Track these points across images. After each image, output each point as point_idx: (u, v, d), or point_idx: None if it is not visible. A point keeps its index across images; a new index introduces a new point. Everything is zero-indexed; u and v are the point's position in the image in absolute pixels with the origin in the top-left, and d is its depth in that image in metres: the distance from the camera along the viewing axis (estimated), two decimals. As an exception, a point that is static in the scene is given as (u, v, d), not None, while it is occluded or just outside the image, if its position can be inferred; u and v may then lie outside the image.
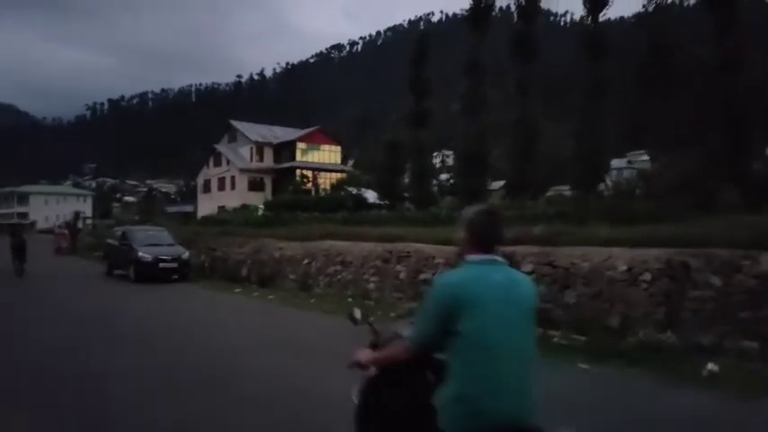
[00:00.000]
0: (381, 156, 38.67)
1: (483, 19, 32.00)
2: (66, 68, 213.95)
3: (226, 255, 19.40)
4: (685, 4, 26.80)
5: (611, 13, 27.16)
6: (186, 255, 18.66)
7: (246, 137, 56.42)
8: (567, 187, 33.06)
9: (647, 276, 8.76)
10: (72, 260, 29.20)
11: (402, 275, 12.75)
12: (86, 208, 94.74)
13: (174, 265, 18.02)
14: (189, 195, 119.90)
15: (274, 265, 16.93)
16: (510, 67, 30.72)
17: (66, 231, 36.50)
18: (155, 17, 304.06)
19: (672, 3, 25.74)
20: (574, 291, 9.55)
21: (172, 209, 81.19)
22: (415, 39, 35.52)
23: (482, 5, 31.28)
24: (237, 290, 15.77)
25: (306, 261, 15.80)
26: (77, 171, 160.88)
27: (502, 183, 37.01)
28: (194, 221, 45.36)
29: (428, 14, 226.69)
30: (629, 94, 34.20)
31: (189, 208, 78.87)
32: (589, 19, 27.07)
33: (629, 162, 78.75)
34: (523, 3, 29.05)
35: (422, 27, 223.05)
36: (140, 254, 18.00)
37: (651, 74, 26.61)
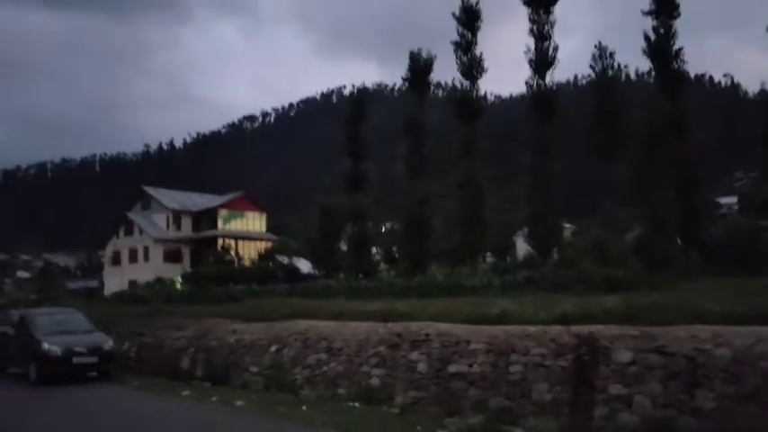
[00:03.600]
0: (315, 222, 36.57)
1: (422, 80, 31.35)
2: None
3: (158, 341, 15.51)
4: (628, 69, 27.43)
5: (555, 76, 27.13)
6: (109, 345, 14.56)
7: (162, 204, 52.48)
8: (488, 254, 31.84)
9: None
10: None
11: (421, 367, 9.61)
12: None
13: (93, 359, 13.87)
14: (92, 270, 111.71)
15: (228, 354, 13.32)
16: (451, 128, 30.12)
17: None
18: (53, 86, 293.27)
19: (617, 69, 25.99)
20: (709, 390, 6.86)
21: (74, 285, 74.35)
22: (352, 101, 34.22)
23: (421, 67, 30.69)
24: (185, 392, 11.91)
25: (274, 348, 12.33)
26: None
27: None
28: (103, 299, 40.82)
29: (340, 87, 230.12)
30: (576, 156, 34.52)
31: (93, 283, 72.48)
32: (535, 81, 26.85)
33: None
34: (466, 63, 28.70)
35: (334, 100, 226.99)
36: (46, 346, 13.68)
37: (599, 136, 26.56)
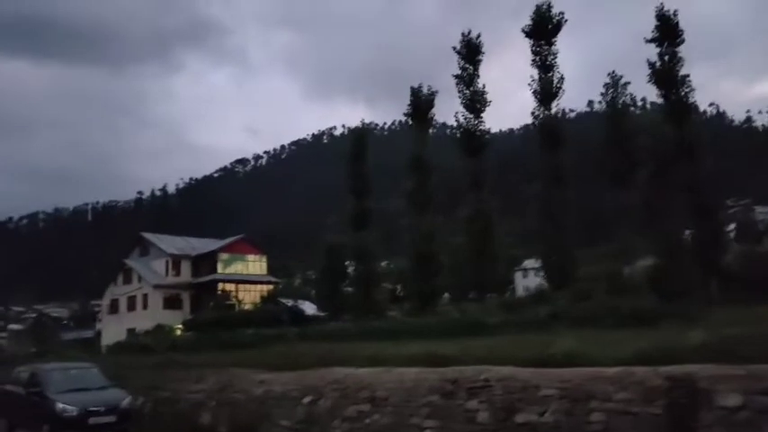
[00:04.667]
0: (318, 262, 35.83)
1: (424, 115, 31.11)
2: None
3: (175, 394, 14.46)
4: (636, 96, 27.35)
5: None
6: (127, 402, 13.37)
7: (161, 249, 51.55)
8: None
9: None
10: None
11: (482, 417, 8.62)
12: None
13: (111, 418, 12.68)
14: (85, 320, 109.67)
15: (255, 408, 12.22)
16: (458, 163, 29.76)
17: None
18: (44, 136, 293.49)
19: (628, 97, 25.86)
20: None
21: (68, 336, 72.69)
22: (352, 139, 33.84)
23: (422, 102, 30.50)
24: None
25: (307, 399, 11.30)
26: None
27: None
28: (102, 349, 39.67)
29: (330, 129, 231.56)
30: (586, 184, 34.24)
31: (88, 333, 70.93)
32: (541, 111, 26.68)
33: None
34: (469, 96, 28.54)
35: (325, 141, 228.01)
36: (60, 405, 12.48)
37: (609, 163, 26.27)
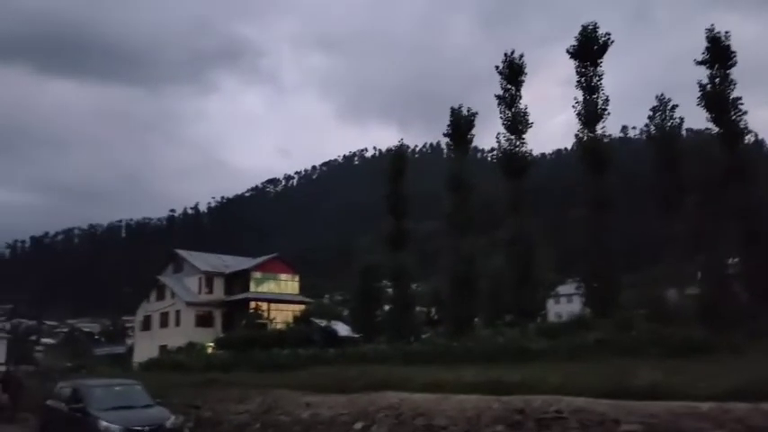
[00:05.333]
0: (353, 283, 35.47)
1: (463, 136, 30.79)
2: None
3: (217, 415, 13.96)
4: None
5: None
6: (172, 422, 12.82)
7: (195, 266, 51.72)
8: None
9: None
10: None
11: None
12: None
13: None
14: (116, 335, 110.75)
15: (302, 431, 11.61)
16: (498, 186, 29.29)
17: None
18: (82, 154, 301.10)
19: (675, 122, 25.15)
20: None
21: (100, 351, 73.37)
22: (391, 158, 33.53)
23: (462, 123, 30.22)
24: None
25: (359, 425, 10.67)
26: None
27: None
28: (134, 366, 39.67)
29: (362, 150, 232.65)
30: (632, 209, 33.37)
31: (120, 349, 71.39)
32: (585, 133, 26.15)
33: (577, 288, 78.00)
34: (511, 117, 28.17)
35: (356, 162, 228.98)
36: (103, 423, 11.99)
37: (658, 188, 25.51)
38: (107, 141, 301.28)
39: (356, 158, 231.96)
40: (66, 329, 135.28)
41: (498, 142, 27.85)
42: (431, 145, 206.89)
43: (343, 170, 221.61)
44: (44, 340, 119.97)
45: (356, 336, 35.51)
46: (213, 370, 22.28)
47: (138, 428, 12.12)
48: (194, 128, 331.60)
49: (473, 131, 30.08)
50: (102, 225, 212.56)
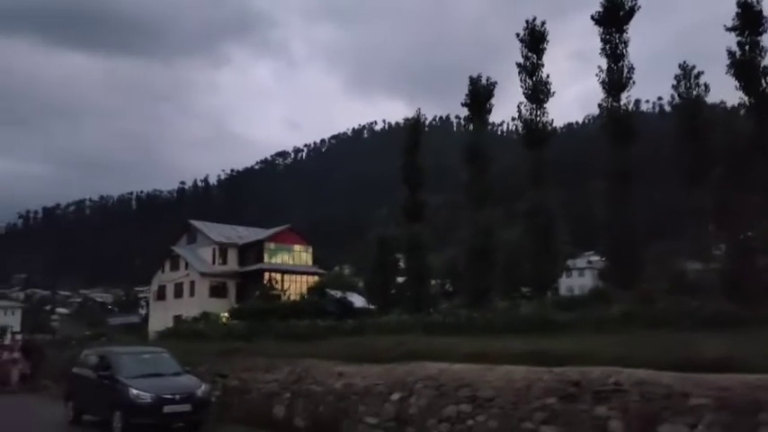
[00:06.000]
0: (369, 254, 35.27)
1: (483, 105, 30.26)
2: None
3: (245, 384, 13.66)
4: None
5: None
6: (202, 390, 12.56)
7: (208, 237, 51.80)
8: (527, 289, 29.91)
9: None
10: (17, 400, 20.09)
11: (615, 426, 7.51)
12: (14, 322, 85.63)
13: (187, 407, 11.89)
14: (129, 305, 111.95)
15: (334, 402, 11.41)
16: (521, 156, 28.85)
17: (18, 355, 23.74)
18: (93, 126, 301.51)
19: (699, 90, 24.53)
20: None
21: (114, 320, 74.15)
22: (408, 128, 33.13)
23: (481, 92, 29.66)
24: None
25: (396, 396, 10.33)
26: (4, 282, 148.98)
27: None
28: (151, 334, 39.87)
29: (371, 123, 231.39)
30: (651, 183, 32.85)
31: (134, 319, 72.17)
32: (609, 102, 25.60)
33: (589, 262, 77.57)
34: (532, 86, 27.64)
35: (365, 135, 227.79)
36: (134, 392, 11.77)
37: (684, 158, 25.01)
38: (118, 113, 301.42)
39: (365, 132, 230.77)
40: (79, 299, 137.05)
41: (519, 112, 27.24)
42: (440, 118, 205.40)
43: (352, 143, 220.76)
44: (58, 310, 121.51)
45: (371, 307, 35.42)
46: (232, 339, 22.20)
47: (169, 396, 11.88)
48: (205, 100, 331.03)
49: (492, 102, 29.55)
50: (113, 197, 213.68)
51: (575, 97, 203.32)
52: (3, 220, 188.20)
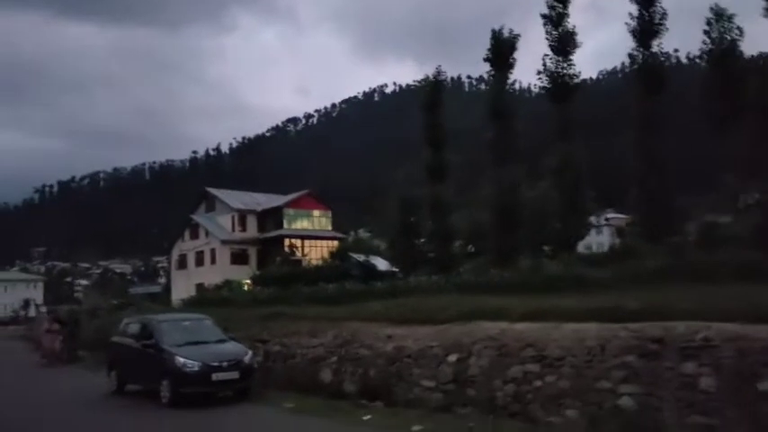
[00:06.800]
0: (393, 217, 34.93)
1: (506, 59, 29.37)
2: (14, 153, 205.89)
3: (288, 349, 13.35)
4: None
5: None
6: (249, 357, 12.31)
7: (227, 205, 51.62)
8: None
9: None
10: (57, 373, 19.51)
11: (707, 383, 7.11)
12: (37, 294, 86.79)
13: (234, 374, 11.66)
14: (148, 275, 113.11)
15: (386, 365, 11.04)
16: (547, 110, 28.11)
17: (56, 328, 22.94)
18: (104, 98, 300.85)
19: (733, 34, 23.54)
20: None
21: (135, 290, 74.79)
22: (428, 88, 32.30)
23: (504, 45, 28.75)
24: (366, 416, 9.76)
25: (454, 357, 9.95)
26: (24, 256, 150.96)
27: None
28: (174, 303, 40.06)
29: (382, 86, 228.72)
30: (686, 131, 31.99)
31: (155, 288, 72.74)
32: (640, 51, 24.72)
33: (606, 219, 76.78)
34: (557, 38, 26.75)
35: (376, 98, 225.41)
36: (180, 360, 11.52)
37: (716, 109, 24.16)
38: (129, 84, 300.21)
39: (376, 95, 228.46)
40: (99, 271, 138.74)
41: (544, 64, 26.43)
42: (451, 78, 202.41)
43: (363, 107, 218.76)
44: (79, 281, 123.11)
45: (395, 270, 35.18)
46: (258, 305, 22.02)
47: (216, 364, 11.61)
48: (214, 68, 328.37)
49: (514, 55, 28.65)
50: (127, 168, 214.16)
51: (589, 52, 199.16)
52: (20, 196, 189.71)
